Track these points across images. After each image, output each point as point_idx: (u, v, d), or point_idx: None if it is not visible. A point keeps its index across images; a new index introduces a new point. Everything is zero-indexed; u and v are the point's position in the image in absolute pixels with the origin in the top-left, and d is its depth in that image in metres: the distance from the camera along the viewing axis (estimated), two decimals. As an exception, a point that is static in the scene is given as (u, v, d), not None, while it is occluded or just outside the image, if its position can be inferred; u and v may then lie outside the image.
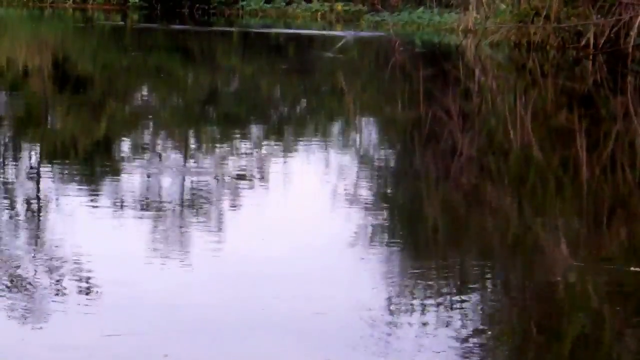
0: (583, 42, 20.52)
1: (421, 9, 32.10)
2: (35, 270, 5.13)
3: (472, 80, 17.06)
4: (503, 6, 22.90)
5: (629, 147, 10.20)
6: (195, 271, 5.28)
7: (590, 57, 19.79)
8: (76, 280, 4.99)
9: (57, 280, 4.97)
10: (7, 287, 4.84)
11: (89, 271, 5.13)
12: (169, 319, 4.48)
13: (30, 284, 4.91)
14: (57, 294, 4.77)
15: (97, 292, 4.83)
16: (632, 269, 5.46)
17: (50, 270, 5.15)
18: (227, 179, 7.83)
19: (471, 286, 5.21)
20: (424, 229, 6.70)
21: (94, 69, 17.68)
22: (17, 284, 4.90)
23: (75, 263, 5.27)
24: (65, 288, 4.86)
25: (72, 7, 36.08)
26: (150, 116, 11.84)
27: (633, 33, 19.13)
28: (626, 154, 9.70)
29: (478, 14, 24.36)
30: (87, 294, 4.80)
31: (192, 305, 4.67)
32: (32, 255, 5.44)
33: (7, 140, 9.57)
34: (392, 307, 4.77)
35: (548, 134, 11.12)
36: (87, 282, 4.96)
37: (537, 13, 21.54)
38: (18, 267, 5.18)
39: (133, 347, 4.15)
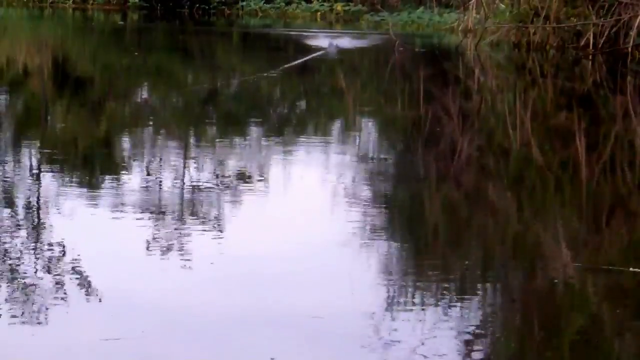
0: (582, 42, 20.52)
1: (421, 9, 32.14)
2: (34, 273, 5.13)
3: (471, 80, 17.06)
4: (502, 6, 22.90)
5: (628, 147, 10.20)
6: (194, 273, 5.27)
7: (590, 57, 19.78)
8: (74, 283, 4.99)
9: (55, 283, 4.97)
10: (6, 289, 4.84)
11: (87, 274, 5.13)
12: (168, 322, 4.48)
13: (28, 286, 4.90)
14: (55, 297, 4.76)
15: (95, 294, 4.83)
16: (631, 269, 5.46)
17: (49, 273, 5.14)
18: (225, 179, 7.83)
19: (470, 287, 5.21)
20: (423, 228, 6.70)
21: (94, 69, 17.67)
22: (15, 286, 4.90)
23: (73, 265, 5.27)
24: (63, 291, 4.86)
25: (72, 7, 36.06)
26: (149, 116, 11.83)
27: (632, 33, 19.13)
28: (626, 154, 9.70)
29: (478, 14, 24.34)
30: (85, 297, 4.80)
31: (191, 308, 4.67)
32: (31, 257, 5.44)
33: (5, 140, 9.56)
34: (392, 308, 4.77)
35: (547, 133, 11.12)
36: (85, 285, 4.96)
37: (537, 13, 21.53)
38: (16, 269, 5.18)
39: (132, 350, 4.14)
